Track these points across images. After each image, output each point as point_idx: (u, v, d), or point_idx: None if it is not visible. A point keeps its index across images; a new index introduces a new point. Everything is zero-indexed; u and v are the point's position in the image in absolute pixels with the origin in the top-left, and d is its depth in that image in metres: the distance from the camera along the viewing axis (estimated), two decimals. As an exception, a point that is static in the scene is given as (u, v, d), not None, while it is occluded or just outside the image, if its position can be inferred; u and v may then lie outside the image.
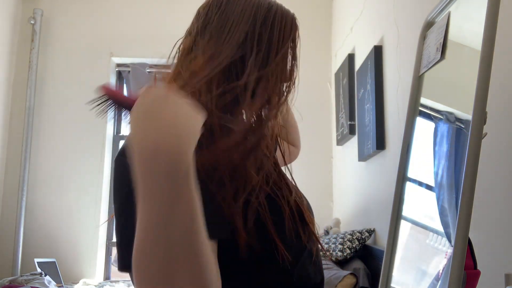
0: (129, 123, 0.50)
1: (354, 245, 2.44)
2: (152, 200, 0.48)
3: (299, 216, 0.76)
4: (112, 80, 3.68)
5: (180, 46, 0.85)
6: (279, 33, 0.80)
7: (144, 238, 0.49)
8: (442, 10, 1.42)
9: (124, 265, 0.64)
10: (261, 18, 0.80)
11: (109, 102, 0.62)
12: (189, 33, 0.85)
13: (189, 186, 0.49)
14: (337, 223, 3.02)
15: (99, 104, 0.63)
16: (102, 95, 0.63)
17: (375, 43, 2.51)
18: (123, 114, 0.62)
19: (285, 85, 0.81)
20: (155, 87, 0.51)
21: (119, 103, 0.61)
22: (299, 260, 0.75)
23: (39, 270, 2.90)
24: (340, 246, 2.45)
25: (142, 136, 0.47)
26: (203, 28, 0.81)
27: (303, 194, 0.84)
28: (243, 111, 0.74)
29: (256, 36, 0.78)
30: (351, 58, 3.03)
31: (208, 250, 0.53)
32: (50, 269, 3.08)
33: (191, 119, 0.50)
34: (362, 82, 2.68)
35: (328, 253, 2.48)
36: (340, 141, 3.18)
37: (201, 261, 0.51)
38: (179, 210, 0.49)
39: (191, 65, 0.76)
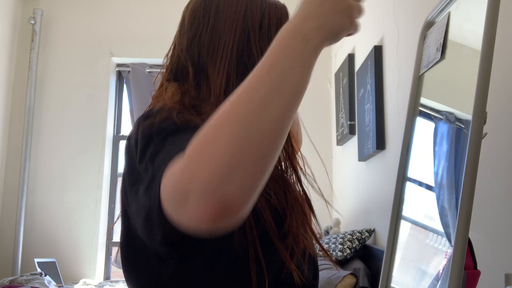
0: None
1: (354, 245, 2.44)
2: (277, 67, 0.50)
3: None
4: (112, 80, 3.69)
5: (168, 53, 0.83)
6: None
7: (248, 92, 0.49)
8: (442, 10, 1.42)
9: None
10: (256, 27, 0.77)
11: None
12: (176, 37, 0.82)
13: (312, 65, 0.54)
14: (337, 223, 3.02)
15: None
16: None
17: (375, 43, 2.51)
18: None
19: None
20: None
21: None
22: (292, 258, 0.74)
23: (39, 270, 2.90)
24: (340, 246, 2.45)
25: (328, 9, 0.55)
26: (190, 45, 0.78)
27: (303, 189, 0.82)
28: None
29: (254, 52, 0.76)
30: (351, 58, 3.03)
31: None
32: (50, 269, 3.08)
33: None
34: (362, 82, 2.68)
35: (328, 253, 2.48)
36: (340, 141, 3.18)
37: (274, 156, 0.48)
38: (293, 84, 0.50)
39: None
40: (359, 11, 0.57)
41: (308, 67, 0.53)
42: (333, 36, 0.55)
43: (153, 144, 0.63)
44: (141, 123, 0.68)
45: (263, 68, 0.50)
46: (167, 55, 0.84)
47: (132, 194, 0.67)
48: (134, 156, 0.68)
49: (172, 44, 0.83)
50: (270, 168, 0.48)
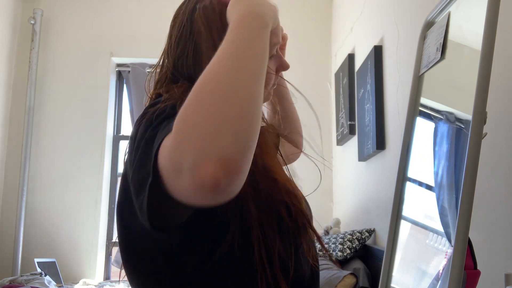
0: None
1: (354, 245, 2.44)
2: (237, 39, 0.58)
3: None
4: (112, 80, 3.69)
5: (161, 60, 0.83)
6: None
7: (216, 68, 0.54)
8: (442, 10, 1.42)
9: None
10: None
11: None
12: (165, 52, 0.82)
13: (265, 40, 0.61)
14: (337, 223, 3.02)
15: None
16: None
17: (375, 43, 2.51)
18: None
19: None
20: None
21: None
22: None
23: (39, 270, 2.90)
24: (340, 246, 2.45)
25: (252, 4, 0.64)
26: (177, 63, 0.78)
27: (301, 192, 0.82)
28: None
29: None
30: (351, 58, 3.03)
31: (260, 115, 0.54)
32: (50, 269, 3.08)
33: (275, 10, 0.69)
34: (362, 82, 2.68)
35: (328, 253, 2.48)
36: (340, 141, 3.18)
37: (254, 117, 0.52)
38: (254, 51, 0.58)
39: None
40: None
41: (264, 39, 0.61)
42: (273, 20, 0.66)
43: (151, 127, 0.64)
44: (147, 111, 0.68)
45: (227, 44, 0.57)
46: (156, 67, 0.83)
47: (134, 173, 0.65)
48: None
49: (161, 57, 0.83)
50: (256, 124, 0.52)
